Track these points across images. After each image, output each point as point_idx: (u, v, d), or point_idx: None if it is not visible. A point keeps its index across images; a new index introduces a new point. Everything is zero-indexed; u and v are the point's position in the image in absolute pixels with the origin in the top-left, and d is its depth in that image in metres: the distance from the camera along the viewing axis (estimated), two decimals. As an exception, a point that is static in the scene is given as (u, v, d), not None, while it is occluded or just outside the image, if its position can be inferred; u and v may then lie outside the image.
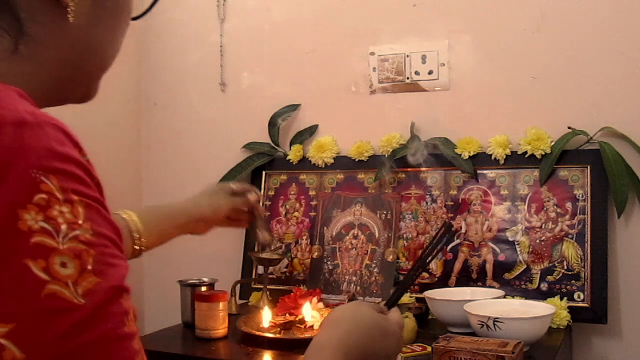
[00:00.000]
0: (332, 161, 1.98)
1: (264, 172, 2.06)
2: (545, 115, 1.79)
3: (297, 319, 1.58)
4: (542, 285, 1.69)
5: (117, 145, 2.20)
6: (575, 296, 1.66)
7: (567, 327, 1.61)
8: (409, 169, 1.88)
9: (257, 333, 1.52)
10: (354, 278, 1.81)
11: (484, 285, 1.74)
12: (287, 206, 2.01)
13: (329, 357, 0.75)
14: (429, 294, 1.64)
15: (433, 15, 1.90)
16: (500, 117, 1.84)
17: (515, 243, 1.74)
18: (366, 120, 1.98)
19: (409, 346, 1.36)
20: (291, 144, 2.05)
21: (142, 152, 2.28)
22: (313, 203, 1.97)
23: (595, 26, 1.75)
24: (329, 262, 1.86)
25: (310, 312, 1.58)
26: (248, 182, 2.09)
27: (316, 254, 1.88)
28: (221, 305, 1.58)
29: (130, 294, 0.53)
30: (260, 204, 1.44)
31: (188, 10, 2.22)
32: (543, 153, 1.75)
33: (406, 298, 1.77)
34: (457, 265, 1.78)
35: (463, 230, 1.80)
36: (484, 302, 1.53)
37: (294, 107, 2.06)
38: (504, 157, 1.79)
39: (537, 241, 1.72)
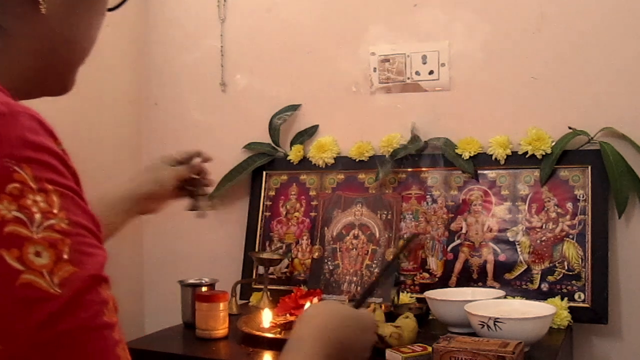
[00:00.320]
0: (333, 161, 1.98)
1: (264, 173, 2.06)
2: (546, 115, 1.79)
3: (297, 319, 1.57)
4: (542, 286, 1.69)
5: (117, 145, 2.20)
6: (576, 296, 1.65)
7: (568, 327, 1.61)
8: (409, 169, 1.88)
9: (258, 333, 1.52)
10: (354, 278, 1.81)
11: (484, 285, 1.74)
12: (288, 206, 2.01)
13: (310, 348, 0.76)
14: (429, 294, 1.63)
15: (433, 15, 1.90)
16: (501, 117, 1.84)
17: (516, 243, 1.74)
18: (367, 120, 1.98)
19: (409, 346, 1.36)
20: (292, 144, 2.05)
21: (142, 152, 2.28)
22: (313, 203, 1.97)
23: (595, 26, 1.75)
24: (329, 263, 1.86)
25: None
26: (249, 182, 2.09)
27: (317, 254, 1.88)
28: (222, 305, 1.58)
29: (109, 284, 0.52)
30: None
31: (188, 11, 2.22)
32: (544, 153, 1.75)
33: (407, 298, 1.77)
34: (458, 266, 1.78)
35: (464, 231, 1.80)
36: (484, 302, 1.53)
37: (294, 107, 2.06)
38: (505, 157, 1.79)
39: (538, 241, 1.72)
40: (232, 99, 2.16)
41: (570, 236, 1.69)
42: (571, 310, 1.63)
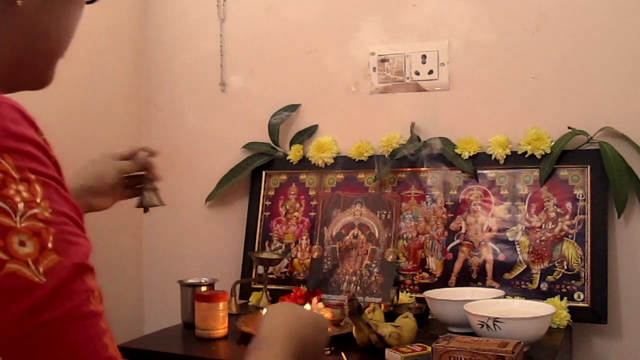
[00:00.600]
0: (332, 161, 1.98)
1: (264, 172, 2.06)
2: (545, 115, 1.79)
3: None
4: (542, 285, 1.69)
5: (117, 145, 2.18)
6: (575, 296, 1.66)
7: (567, 327, 1.61)
8: (408, 169, 1.88)
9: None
10: (354, 278, 1.81)
11: (484, 285, 1.74)
12: (287, 206, 2.01)
13: (278, 346, 0.77)
14: (429, 294, 1.64)
15: (433, 15, 1.90)
16: (500, 117, 1.84)
17: (515, 243, 1.74)
18: (366, 120, 1.98)
19: (408, 346, 1.36)
20: (291, 144, 2.05)
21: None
22: (313, 203, 1.97)
23: (595, 26, 1.75)
24: (329, 262, 1.86)
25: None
26: (248, 182, 2.09)
27: (316, 254, 1.88)
28: (221, 305, 1.58)
29: (94, 273, 0.52)
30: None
31: (188, 10, 2.22)
32: (543, 153, 1.75)
33: (406, 298, 1.77)
34: (457, 265, 1.78)
35: (463, 231, 1.80)
36: (484, 302, 1.53)
37: (294, 107, 2.06)
38: (504, 157, 1.79)
39: (537, 241, 1.72)
40: (232, 98, 2.16)
41: (570, 236, 1.69)
42: (570, 310, 1.63)
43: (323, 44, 2.03)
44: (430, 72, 1.91)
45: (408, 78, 1.94)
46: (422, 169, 1.87)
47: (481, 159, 1.82)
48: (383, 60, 1.96)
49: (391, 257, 1.80)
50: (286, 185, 2.03)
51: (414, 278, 1.81)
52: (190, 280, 1.76)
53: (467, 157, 1.81)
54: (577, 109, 1.77)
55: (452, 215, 1.82)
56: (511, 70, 1.83)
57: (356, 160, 1.95)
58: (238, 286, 1.90)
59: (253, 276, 1.97)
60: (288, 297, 1.69)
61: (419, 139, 1.88)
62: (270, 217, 2.02)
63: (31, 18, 0.60)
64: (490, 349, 1.21)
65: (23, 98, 0.60)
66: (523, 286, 1.71)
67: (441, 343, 1.25)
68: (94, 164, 1.18)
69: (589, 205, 1.69)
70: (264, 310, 0.85)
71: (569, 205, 1.71)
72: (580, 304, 1.65)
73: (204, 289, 1.72)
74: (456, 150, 1.82)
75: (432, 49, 1.91)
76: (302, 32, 2.06)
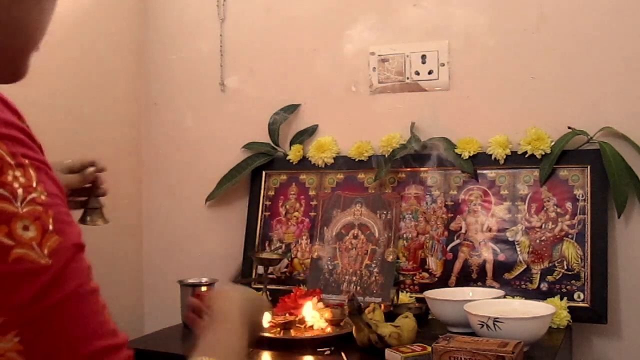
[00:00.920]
0: (332, 161, 1.98)
1: (264, 172, 2.06)
2: (545, 115, 1.79)
3: (297, 318, 1.58)
4: (542, 285, 1.69)
5: (117, 145, 2.20)
6: (575, 296, 1.66)
7: (567, 327, 1.61)
8: (408, 169, 1.88)
9: (257, 333, 1.52)
10: (354, 278, 1.81)
11: (484, 285, 1.74)
12: (287, 206, 2.01)
13: (235, 320, 0.86)
14: (429, 294, 1.64)
15: (433, 15, 1.90)
16: (500, 117, 1.84)
17: (515, 243, 1.74)
18: (366, 120, 1.98)
19: (408, 346, 1.36)
20: (291, 144, 2.05)
21: (142, 152, 2.28)
22: (313, 203, 1.97)
23: (595, 26, 1.75)
24: (329, 262, 1.86)
25: (310, 312, 1.58)
26: (248, 182, 2.09)
27: (316, 254, 1.88)
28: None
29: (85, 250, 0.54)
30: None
31: (188, 10, 2.22)
32: (543, 153, 1.75)
33: (406, 298, 1.77)
34: (457, 265, 1.78)
35: (463, 230, 1.80)
36: (484, 302, 1.53)
37: (294, 107, 2.06)
38: (504, 157, 1.79)
39: (537, 241, 1.72)
40: (232, 98, 2.16)
41: (570, 236, 1.69)
42: (570, 310, 1.63)
43: (323, 44, 2.03)
44: (430, 72, 1.91)
45: (408, 78, 1.94)
46: (422, 169, 1.87)
47: (481, 159, 1.82)
48: (383, 60, 1.96)
49: (391, 257, 1.80)
50: (286, 185, 2.03)
51: (414, 278, 1.81)
52: (190, 280, 1.76)
53: (467, 157, 1.81)
54: (577, 109, 1.77)
55: (452, 215, 1.82)
56: (511, 70, 1.83)
57: (356, 160, 1.95)
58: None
59: (253, 276, 1.97)
60: (288, 297, 1.69)
61: (419, 139, 1.88)
62: (270, 217, 2.02)
63: (4, 11, 0.60)
64: (490, 349, 1.21)
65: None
66: (523, 286, 1.71)
67: (441, 343, 1.25)
68: None
69: (589, 205, 1.69)
70: (212, 292, 0.99)
71: (569, 205, 1.71)
72: (580, 304, 1.65)
73: (204, 289, 1.72)
74: (456, 150, 1.82)
75: (432, 49, 1.91)
76: (302, 32, 2.06)
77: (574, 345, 1.70)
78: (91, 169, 1.23)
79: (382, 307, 1.61)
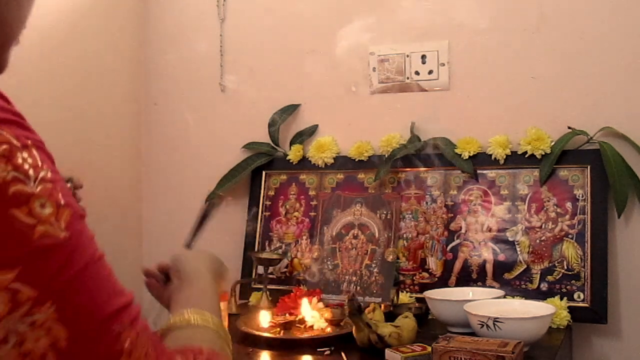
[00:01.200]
0: (332, 161, 1.98)
1: (263, 172, 2.06)
2: (545, 115, 1.79)
3: (297, 319, 1.58)
4: (542, 285, 1.69)
5: (117, 145, 2.20)
6: (575, 296, 1.66)
7: (567, 327, 1.61)
8: (408, 169, 1.88)
9: (257, 333, 1.52)
10: (354, 278, 1.81)
11: (484, 285, 1.74)
12: (287, 206, 2.01)
13: (206, 275, 0.94)
14: (429, 294, 1.64)
15: (433, 15, 1.90)
16: (500, 117, 1.84)
17: (515, 243, 1.74)
18: (366, 120, 1.98)
19: (408, 346, 1.36)
20: (291, 144, 2.05)
21: (142, 152, 2.28)
22: (313, 203, 1.97)
23: (595, 26, 1.75)
24: (329, 262, 1.86)
25: (310, 312, 1.58)
26: (248, 182, 2.09)
27: (316, 254, 1.88)
28: (221, 305, 1.57)
29: None
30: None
31: (188, 11, 2.22)
32: (543, 153, 1.75)
33: (406, 298, 1.77)
34: (457, 265, 1.78)
35: (463, 230, 1.80)
36: (484, 302, 1.53)
37: (294, 107, 2.06)
38: (504, 157, 1.79)
39: (537, 241, 1.72)
40: (232, 98, 2.16)
41: (570, 236, 1.69)
42: (570, 310, 1.63)
43: (323, 44, 2.03)
44: (430, 72, 1.91)
45: (408, 78, 1.94)
46: (422, 169, 1.87)
47: (481, 159, 1.82)
48: (383, 60, 1.96)
49: (391, 257, 1.80)
50: (286, 185, 2.03)
51: (414, 278, 1.81)
52: (190, 280, 1.76)
53: (467, 157, 1.81)
54: (577, 109, 1.77)
55: (452, 215, 1.82)
56: (511, 70, 1.83)
57: (356, 160, 1.95)
58: (238, 286, 1.90)
59: (253, 276, 1.97)
60: (288, 297, 1.69)
61: (419, 139, 1.88)
62: (270, 217, 2.02)
63: None
64: (490, 349, 1.21)
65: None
66: (523, 286, 1.71)
67: (441, 343, 1.25)
68: None
69: (589, 205, 1.69)
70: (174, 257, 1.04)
71: (569, 205, 1.71)
72: (580, 304, 1.65)
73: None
74: (456, 150, 1.82)
75: (432, 49, 1.91)
76: (302, 32, 2.06)
77: (574, 345, 1.70)
78: (67, 185, 1.25)
79: (382, 307, 1.61)
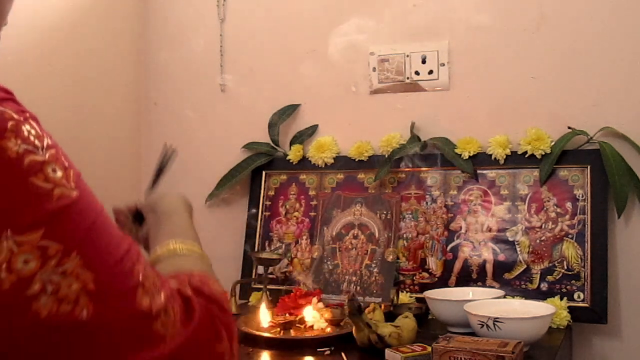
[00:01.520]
0: (332, 161, 1.98)
1: (263, 172, 2.06)
2: (545, 115, 1.79)
3: (297, 318, 1.58)
4: (542, 285, 1.69)
5: (117, 145, 2.20)
6: (575, 296, 1.66)
7: (567, 327, 1.61)
8: (408, 169, 1.88)
9: (257, 333, 1.52)
10: (354, 278, 1.81)
11: (484, 285, 1.74)
12: (287, 206, 2.01)
13: (184, 211, 1.01)
14: (429, 294, 1.64)
15: (433, 15, 1.90)
16: (500, 117, 1.84)
17: (515, 243, 1.74)
18: (366, 120, 1.98)
19: (408, 346, 1.36)
20: (291, 144, 2.05)
21: (142, 152, 2.28)
22: (313, 203, 1.97)
23: (595, 26, 1.75)
24: (329, 262, 1.86)
25: (311, 312, 1.58)
26: (248, 182, 2.09)
27: (316, 254, 1.88)
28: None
29: None
30: None
31: (188, 11, 2.22)
32: (543, 153, 1.75)
33: (406, 298, 1.77)
34: (457, 265, 1.78)
35: (463, 230, 1.80)
36: (484, 302, 1.53)
37: (294, 107, 2.06)
38: (504, 157, 1.79)
39: (537, 241, 1.72)
40: (232, 98, 2.16)
41: (570, 236, 1.69)
42: (570, 310, 1.63)
43: (323, 44, 2.03)
44: (430, 72, 1.91)
45: (408, 78, 1.94)
46: (422, 169, 1.87)
47: (481, 159, 1.82)
48: (383, 60, 1.96)
49: (391, 257, 1.80)
50: (286, 185, 2.03)
51: (414, 278, 1.81)
52: (190, 280, 1.76)
53: (467, 157, 1.81)
54: (577, 109, 1.77)
55: (452, 215, 1.82)
56: (511, 70, 1.83)
57: (356, 160, 1.95)
58: (238, 286, 1.90)
59: (253, 276, 1.97)
60: (288, 297, 1.69)
61: (419, 139, 1.88)
62: (270, 217, 2.02)
63: None
64: (490, 349, 1.21)
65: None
66: (523, 286, 1.71)
67: (441, 343, 1.25)
68: None
69: (589, 205, 1.69)
70: (147, 199, 1.12)
71: (569, 205, 1.71)
72: (580, 304, 1.65)
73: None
74: (456, 150, 1.82)
75: (432, 49, 1.91)
76: (302, 32, 2.06)
77: (574, 345, 1.70)
78: None
79: (382, 307, 1.61)
